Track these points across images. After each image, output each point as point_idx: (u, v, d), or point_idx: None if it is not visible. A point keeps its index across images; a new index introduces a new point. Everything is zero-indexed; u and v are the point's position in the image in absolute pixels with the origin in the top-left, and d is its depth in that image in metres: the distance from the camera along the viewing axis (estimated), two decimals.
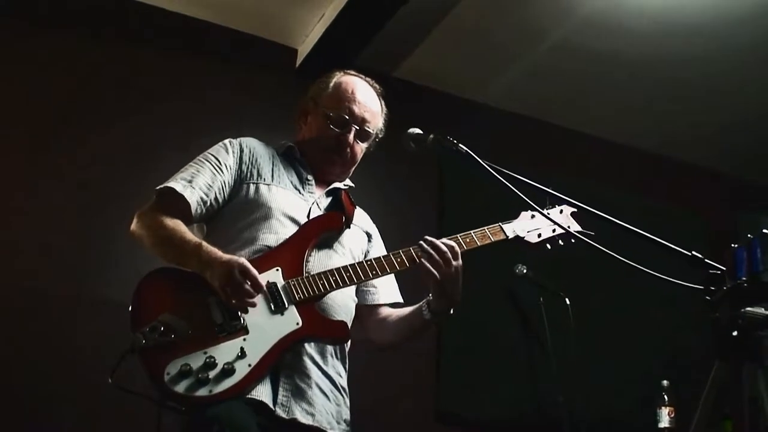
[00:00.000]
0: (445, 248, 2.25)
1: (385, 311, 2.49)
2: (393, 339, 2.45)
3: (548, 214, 2.44)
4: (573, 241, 2.44)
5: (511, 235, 2.45)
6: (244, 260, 2.12)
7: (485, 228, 2.41)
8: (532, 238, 2.49)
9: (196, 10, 4.17)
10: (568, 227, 2.45)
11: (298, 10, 4.15)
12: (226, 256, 2.13)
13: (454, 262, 2.24)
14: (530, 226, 2.49)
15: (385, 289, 2.51)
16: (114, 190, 3.62)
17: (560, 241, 2.51)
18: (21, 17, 3.81)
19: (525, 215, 2.49)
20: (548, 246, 2.52)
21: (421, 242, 2.27)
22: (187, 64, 4.09)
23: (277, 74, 4.28)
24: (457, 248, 2.26)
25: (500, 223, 2.45)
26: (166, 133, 3.80)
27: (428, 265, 2.23)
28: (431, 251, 2.24)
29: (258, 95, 4.12)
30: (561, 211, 2.51)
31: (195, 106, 3.93)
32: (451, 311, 2.31)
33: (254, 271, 2.11)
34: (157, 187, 2.29)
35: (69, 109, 3.78)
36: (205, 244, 2.16)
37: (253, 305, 2.12)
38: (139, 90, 3.94)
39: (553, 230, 2.50)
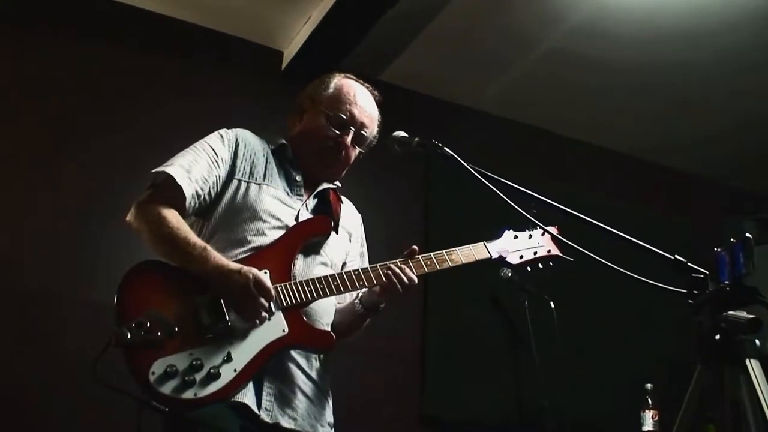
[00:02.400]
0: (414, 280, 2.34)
1: None
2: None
3: (530, 236, 2.59)
4: (552, 264, 2.58)
5: (494, 255, 2.54)
6: (257, 272, 2.12)
7: (470, 246, 2.50)
8: (514, 260, 2.58)
9: (182, 13, 4.15)
10: (549, 251, 2.59)
11: (284, 13, 4.14)
12: (237, 266, 2.13)
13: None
14: (513, 247, 2.57)
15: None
16: (113, 190, 3.59)
17: (540, 265, 2.60)
18: (21, 19, 3.80)
19: (508, 235, 2.58)
20: (528, 269, 2.61)
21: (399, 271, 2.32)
22: (173, 66, 4.07)
23: (262, 77, 4.26)
24: (416, 281, 2.34)
25: (485, 243, 2.53)
26: (154, 134, 3.77)
27: (398, 286, 2.30)
28: (404, 278, 2.31)
29: (243, 98, 4.10)
30: (543, 234, 2.58)
31: (180, 108, 3.90)
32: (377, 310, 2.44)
33: (268, 284, 2.13)
34: (154, 170, 2.25)
35: (67, 111, 3.77)
36: (210, 248, 2.15)
37: (267, 318, 2.14)
38: (131, 92, 3.92)
39: (534, 253, 2.60)
